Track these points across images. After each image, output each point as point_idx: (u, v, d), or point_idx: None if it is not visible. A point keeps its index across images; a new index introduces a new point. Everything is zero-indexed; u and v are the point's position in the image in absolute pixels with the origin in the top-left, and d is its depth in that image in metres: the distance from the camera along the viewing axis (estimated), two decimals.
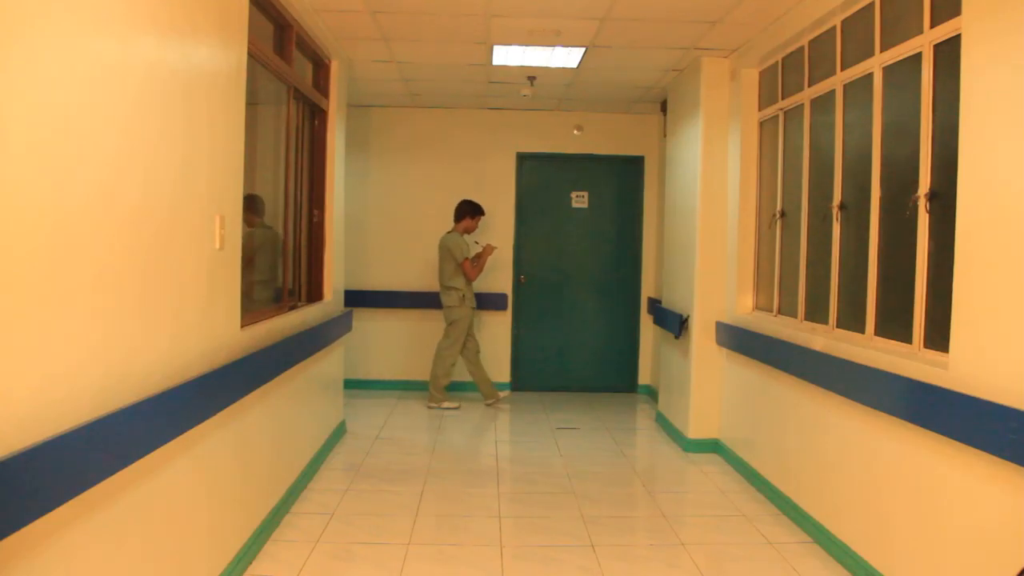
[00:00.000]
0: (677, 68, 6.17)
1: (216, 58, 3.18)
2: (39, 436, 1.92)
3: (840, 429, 3.89)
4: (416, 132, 8.06)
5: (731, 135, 5.75)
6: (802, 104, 4.75)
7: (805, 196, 4.71)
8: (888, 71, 3.75)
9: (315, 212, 5.57)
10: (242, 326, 3.57)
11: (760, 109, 5.45)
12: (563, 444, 6.16)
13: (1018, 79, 2.65)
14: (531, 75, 6.48)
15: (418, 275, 8.05)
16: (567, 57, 5.90)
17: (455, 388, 7.97)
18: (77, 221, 2.13)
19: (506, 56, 5.90)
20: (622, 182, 8.27)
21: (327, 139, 5.68)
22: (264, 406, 3.89)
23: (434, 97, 7.57)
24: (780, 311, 5.09)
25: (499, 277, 8.09)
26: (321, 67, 5.61)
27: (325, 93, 5.65)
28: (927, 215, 3.34)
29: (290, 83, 4.72)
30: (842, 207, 4.21)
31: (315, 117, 5.61)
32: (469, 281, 7.20)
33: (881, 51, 3.77)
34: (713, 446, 5.85)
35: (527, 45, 5.60)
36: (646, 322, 8.12)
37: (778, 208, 5.15)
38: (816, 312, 4.52)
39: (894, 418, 3.33)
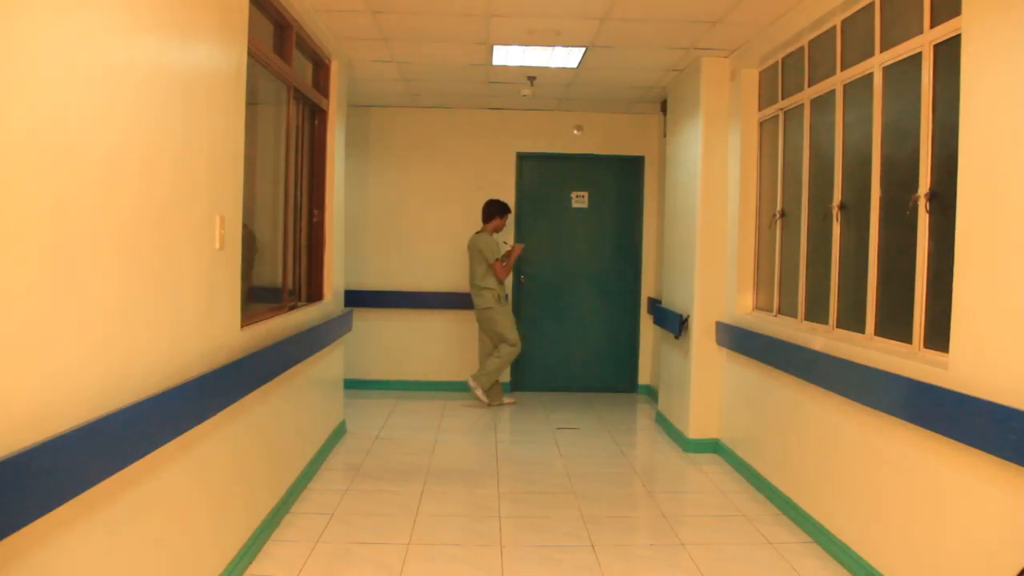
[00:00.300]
0: (677, 68, 6.18)
1: (216, 58, 3.19)
2: (39, 436, 1.92)
3: (840, 429, 3.89)
4: (416, 132, 8.06)
5: (731, 135, 5.75)
6: (802, 104, 4.75)
7: (805, 196, 4.71)
8: (888, 71, 3.75)
9: (315, 212, 5.57)
10: (242, 326, 3.57)
11: (760, 109, 5.46)
12: (563, 444, 6.16)
13: (1018, 79, 2.65)
14: (531, 75, 6.48)
15: (418, 275, 8.05)
16: (567, 57, 5.90)
17: (454, 388, 7.98)
18: (77, 221, 2.12)
19: (506, 56, 5.90)
20: (622, 182, 8.27)
21: (327, 139, 5.68)
22: (264, 406, 3.89)
23: (434, 97, 7.57)
24: (780, 311, 5.09)
25: None
26: (321, 67, 5.61)
27: (325, 93, 5.65)
28: (927, 215, 3.34)
29: (290, 83, 4.72)
30: (842, 207, 4.21)
31: (315, 117, 5.61)
32: (500, 281, 7.24)
33: (881, 51, 3.77)
34: (713, 446, 5.85)
35: (527, 45, 5.60)
36: (646, 322, 8.12)
37: (778, 208, 5.15)
38: (816, 312, 4.52)
39: (894, 418, 3.33)
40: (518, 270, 8.12)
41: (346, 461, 5.48)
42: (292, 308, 4.79)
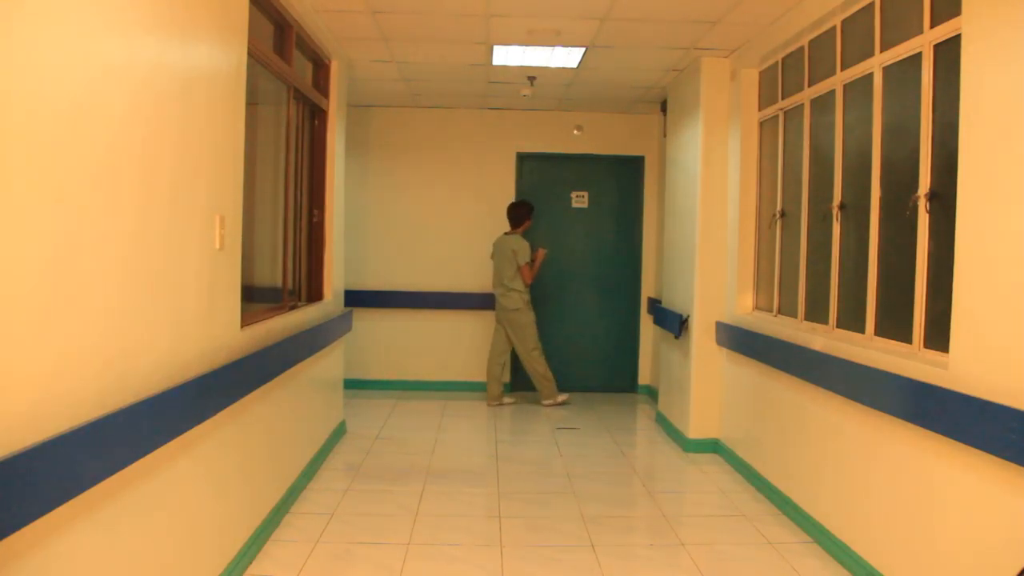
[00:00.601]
0: (677, 68, 6.18)
1: (216, 58, 3.19)
2: (39, 436, 1.92)
3: (840, 429, 3.89)
4: (416, 132, 8.06)
5: (731, 135, 5.75)
6: (802, 104, 4.75)
7: (805, 196, 4.71)
8: (888, 71, 3.75)
9: (315, 212, 5.57)
10: (242, 326, 3.57)
11: (760, 109, 5.46)
12: (563, 444, 6.16)
13: (1018, 79, 2.65)
14: (531, 75, 6.48)
15: (418, 275, 8.05)
16: (567, 57, 5.90)
17: (454, 388, 7.99)
18: (78, 221, 2.13)
19: (506, 56, 5.90)
20: (622, 182, 8.27)
21: (327, 139, 5.68)
22: (264, 406, 3.89)
23: (434, 97, 7.57)
24: (780, 311, 5.09)
25: None
26: (321, 67, 5.61)
27: (325, 93, 5.65)
28: (927, 215, 3.34)
29: (290, 83, 4.72)
30: (842, 207, 4.21)
31: (315, 117, 5.61)
32: (527, 284, 7.29)
33: (881, 51, 3.77)
34: (713, 446, 5.85)
35: (527, 45, 5.60)
36: (646, 322, 8.12)
37: (778, 208, 5.15)
38: (816, 312, 4.52)
39: (894, 418, 3.33)
40: None
41: (346, 461, 5.48)
42: (292, 308, 4.79)
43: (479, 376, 8.06)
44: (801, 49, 4.74)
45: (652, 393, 7.83)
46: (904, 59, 3.58)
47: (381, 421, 6.71)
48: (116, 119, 2.34)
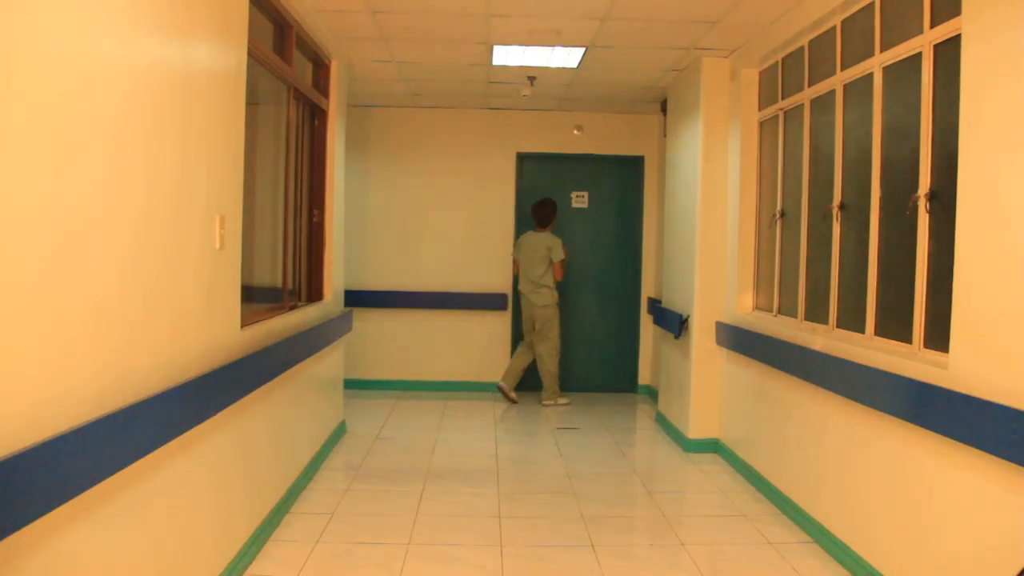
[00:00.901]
0: (677, 68, 6.18)
1: (216, 58, 3.19)
2: (39, 436, 1.92)
3: (840, 429, 3.89)
4: (416, 132, 8.06)
5: (731, 135, 5.75)
6: (802, 104, 4.75)
7: (805, 196, 4.71)
8: (888, 71, 3.75)
9: (315, 212, 5.57)
10: (242, 326, 3.57)
11: (760, 109, 5.45)
12: (563, 444, 6.16)
13: (1018, 79, 2.65)
14: (531, 75, 6.48)
15: (418, 275, 8.05)
16: (567, 57, 5.90)
17: (454, 388, 7.99)
18: (77, 221, 2.12)
19: (506, 56, 5.90)
20: (622, 182, 8.27)
21: (327, 139, 5.68)
22: (264, 406, 3.89)
23: (434, 97, 7.57)
24: (780, 311, 5.09)
25: (499, 277, 8.09)
26: (321, 67, 5.61)
27: (325, 93, 5.65)
28: (927, 215, 3.34)
29: (290, 83, 4.72)
30: (842, 207, 4.21)
31: (315, 117, 5.61)
32: (557, 281, 7.40)
33: (881, 51, 3.77)
34: (713, 446, 5.85)
35: (527, 45, 5.60)
36: (646, 322, 8.12)
37: (778, 208, 5.15)
38: (816, 312, 4.52)
39: (894, 418, 3.33)
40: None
41: (346, 461, 5.48)
42: (292, 308, 4.79)
43: (479, 376, 8.07)
44: (801, 49, 4.74)
45: (652, 393, 7.83)
46: (904, 59, 3.58)
47: (381, 421, 6.71)
48: (116, 119, 2.34)
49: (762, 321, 5.18)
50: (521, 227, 8.11)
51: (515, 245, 7.68)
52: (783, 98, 5.05)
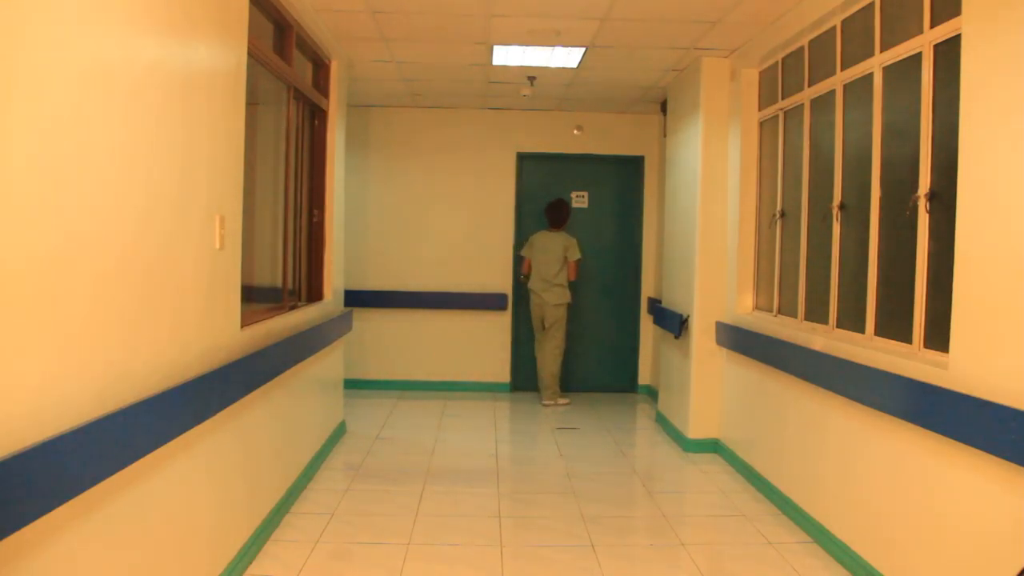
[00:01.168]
0: (677, 68, 6.18)
1: (216, 58, 3.19)
2: (39, 436, 1.92)
3: (840, 429, 3.89)
4: (416, 132, 8.06)
5: (731, 135, 5.75)
6: (802, 104, 4.75)
7: (805, 196, 4.71)
8: (888, 71, 3.75)
9: (315, 212, 5.57)
10: (242, 326, 3.57)
11: (760, 109, 5.45)
12: (563, 444, 6.16)
13: (1018, 79, 2.65)
14: (531, 75, 6.48)
15: (418, 275, 8.05)
16: (567, 57, 5.90)
17: (454, 388, 7.98)
18: (77, 220, 2.13)
19: (506, 56, 5.90)
20: (622, 182, 8.27)
21: (327, 139, 5.68)
22: (264, 406, 3.89)
23: (434, 97, 7.57)
24: (780, 311, 5.09)
25: (499, 277, 8.09)
26: (321, 67, 5.61)
27: (325, 93, 5.65)
28: (927, 215, 3.34)
29: (290, 83, 4.72)
30: (842, 207, 4.21)
31: (315, 117, 5.61)
32: (573, 280, 7.51)
33: (881, 51, 3.77)
34: (713, 446, 5.85)
35: (527, 45, 5.60)
36: (646, 322, 8.12)
37: (778, 208, 5.15)
38: (816, 312, 4.52)
39: (894, 418, 3.33)
40: (517, 270, 8.13)
41: (346, 461, 5.48)
42: (292, 308, 4.79)
43: (479, 376, 8.07)
44: (801, 49, 4.74)
45: (652, 393, 7.83)
46: (904, 59, 3.58)
47: (381, 421, 6.71)
48: (116, 119, 2.34)
49: (762, 321, 5.18)
50: (521, 227, 8.12)
51: (527, 244, 7.69)
52: (783, 98, 5.05)
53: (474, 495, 4.80)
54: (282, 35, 4.58)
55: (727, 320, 5.69)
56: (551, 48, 5.66)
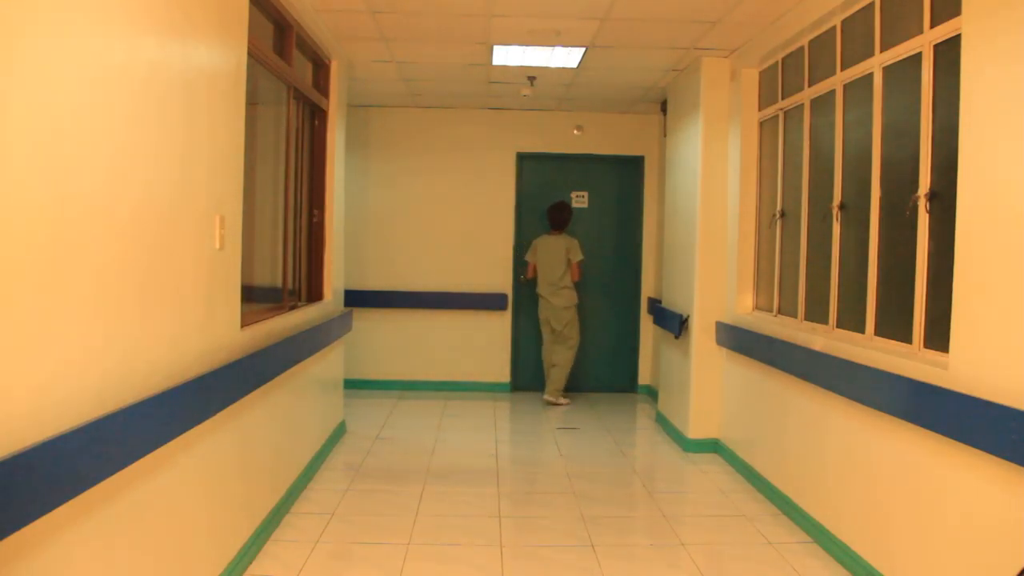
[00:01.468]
0: (677, 68, 6.18)
1: (216, 58, 3.19)
2: (39, 436, 1.92)
3: (840, 429, 3.89)
4: (416, 132, 8.06)
5: (731, 135, 5.75)
6: (802, 104, 4.75)
7: (805, 196, 4.71)
8: (888, 71, 3.75)
9: (315, 212, 5.57)
10: (242, 326, 3.57)
11: (760, 109, 5.46)
12: (563, 444, 6.16)
13: (1018, 79, 2.65)
14: (531, 75, 6.48)
15: (418, 275, 8.05)
16: (567, 57, 5.90)
17: (454, 388, 7.99)
18: (77, 221, 2.13)
19: (506, 56, 5.90)
20: (622, 182, 8.27)
21: (327, 139, 5.68)
22: (264, 406, 3.89)
23: (434, 97, 7.57)
24: (780, 311, 5.09)
25: (499, 277, 8.09)
26: (321, 67, 5.61)
27: (325, 93, 5.65)
28: (927, 215, 3.34)
29: (290, 83, 4.72)
30: (842, 207, 4.21)
31: (315, 117, 5.61)
32: (577, 281, 7.56)
33: (881, 51, 3.77)
34: (713, 446, 5.85)
35: (527, 45, 5.60)
36: (646, 322, 8.12)
37: (778, 208, 5.15)
38: (816, 312, 4.52)
39: (894, 418, 3.33)
40: (517, 270, 8.13)
41: (346, 461, 5.48)
42: (292, 308, 4.79)
43: (479, 376, 8.07)
44: (801, 49, 4.74)
45: (652, 393, 7.83)
46: (904, 59, 3.58)
47: (381, 421, 6.71)
48: (115, 120, 2.34)
49: (762, 321, 5.18)
50: (521, 227, 8.12)
51: (530, 248, 7.73)
52: (783, 98, 5.05)
53: (474, 495, 4.80)
54: (282, 35, 4.58)
55: (727, 320, 5.69)
56: (551, 48, 5.66)
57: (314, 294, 5.54)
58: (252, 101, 3.72)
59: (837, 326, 4.22)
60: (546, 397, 7.56)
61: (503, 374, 8.13)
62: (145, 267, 2.55)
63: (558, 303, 7.50)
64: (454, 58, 6.01)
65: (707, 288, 5.86)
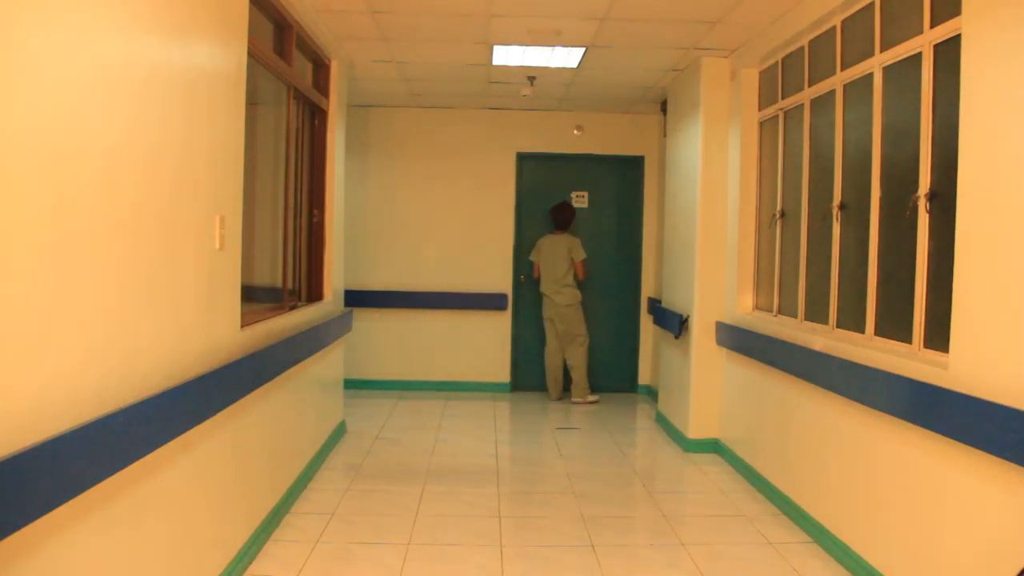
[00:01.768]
0: (677, 68, 6.18)
1: (216, 58, 3.19)
2: (39, 436, 1.92)
3: (840, 429, 3.89)
4: (416, 132, 8.06)
5: (731, 135, 5.75)
6: (802, 104, 4.75)
7: (805, 196, 4.71)
8: (888, 71, 3.75)
9: (315, 212, 5.57)
10: (242, 326, 3.57)
11: (760, 109, 5.45)
12: (563, 444, 6.16)
13: (1018, 79, 2.65)
14: (531, 75, 6.48)
15: (418, 275, 8.05)
16: (567, 57, 5.89)
17: (454, 388, 7.99)
18: (78, 221, 2.13)
19: (506, 56, 5.90)
20: (622, 182, 8.27)
21: (327, 139, 5.68)
22: (264, 406, 3.89)
23: (434, 97, 7.57)
24: (780, 311, 5.09)
25: (499, 277, 8.09)
26: (321, 67, 5.61)
27: (325, 93, 5.65)
28: (927, 215, 3.34)
29: (290, 83, 4.72)
30: (842, 207, 4.21)
31: (315, 117, 5.61)
32: (581, 280, 7.66)
33: (881, 51, 3.77)
34: (713, 446, 5.85)
35: (527, 45, 5.60)
36: (646, 322, 8.12)
37: (778, 208, 5.15)
38: (816, 312, 4.52)
39: (894, 418, 3.33)
40: (517, 270, 8.13)
41: (346, 461, 5.48)
42: (292, 308, 4.79)
43: (479, 376, 8.08)
44: (801, 49, 4.74)
45: (652, 393, 7.83)
46: (904, 59, 3.58)
47: (381, 421, 6.71)
48: (115, 119, 2.34)
49: (762, 321, 5.18)
50: (521, 227, 8.12)
51: (535, 249, 7.80)
52: (783, 98, 5.05)
53: (474, 495, 4.80)
54: (282, 35, 4.58)
55: (727, 320, 5.69)
56: (551, 48, 5.66)
57: (314, 294, 5.54)
58: (252, 101, 3.72)
59: (837, 326, 4.22)
60: (574, 399, 7.66)
61: (503, 374, 8.13)
62: (145, 267, 2.55)
63: (561, 301, 7.57)
64: (454, 58, 6.01)
65: (707, 288, 5.86)
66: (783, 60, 5.05)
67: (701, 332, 5.88)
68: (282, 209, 4.83)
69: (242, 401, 3.43)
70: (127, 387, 2.40)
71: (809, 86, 4.64)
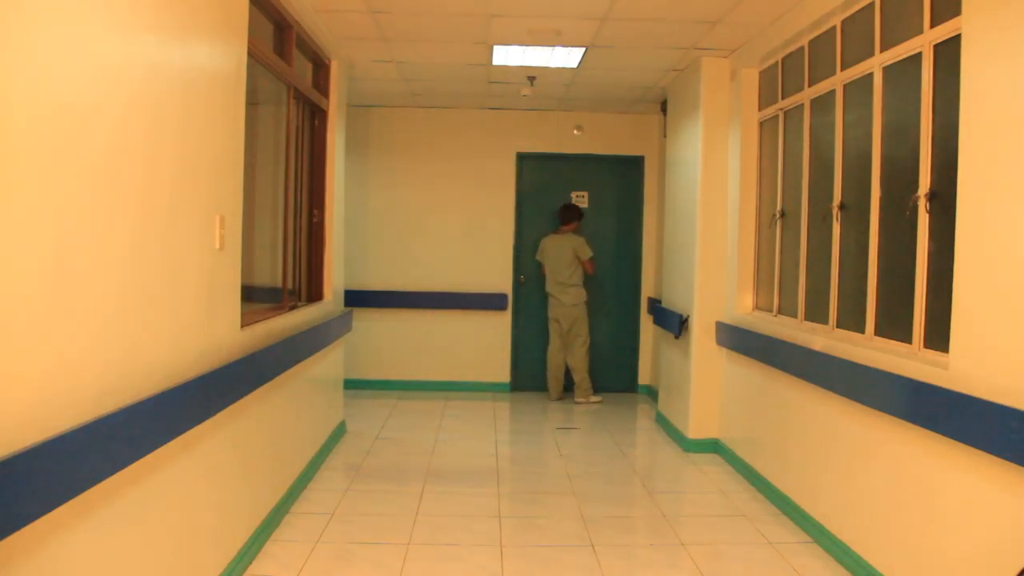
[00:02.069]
0: (677, 68, 6.18)
1: (216, 58, 3.19)
2: (39, 436, 1.92)
3: (840, 429, 3.89)
4: (416, 132, 8.06)
5: (731, 135, 5.75)
6: (802, 104, 4.75)
7: (805, 196, 4.71)
8: (888, 71, 3.75)
9: (315, 212, 5.57)
10: (242, 326, 3.57)
11: (760, 109, 5.45)
12: (563, 444, 6.16)
13: (1018, 79, 2.65)
14: (531, 75, 6.48)
15: (418, 275, 8.05)
16: (567, 57, 5.90)
17: (454, 388, 7.99)
18: (77, 221, 2.13)
19: (506, 56, 5.90)
20: (622, 182, 8.27)
21: (327, 139, 5.68)
22: (264, 406, 3.89)
23: (434, 97, 7.57)
24: (780, 311, 5.09)
25: (499, 277, 8.09)
26: (321, 67, 5.61)
27: (325, 93, 5.65)
28: (927, 215, 3.34)
29: (290, 83, 4.72)
30: (842, 207, 4.21)
31: (315, 117, 5.61)
32: (592, 276, 7.73)
33: (881, 51, 3.77)
34: (713, 446, 5.85)
35: (527, 45, 5.60)
36: (646, 322, 8.12)
37: (778, 208, 5.15)
38: (816, 312, 4.52)
39: (894, 418, 3.33)
40: (517, 270, 8.13)
41: (346, 461, 5.48)
42: (292, 308, 4.79)
43: (479, 376, 8.08)
44: (801, 49, 4.74)
45: (652, 393, 7.83)
46: (904, 59, 3.58)
47: (381, 421, 6.71)
48: (116, 119, 2.34)
49: (762, 321, 5.18)
50: (521, 227, 8.12)
51: (539, 250, 7.82)
52: (783, 98, 5.05)
53: (474, 495, 4.80)
54: (282, 35, 4.58)
55: (727, 320, 5.69)
56: (551, 48, 5.66)
57: (314, 294, 5.54)
58: (252, 101, 3.72)
59: (837, 326, 4.22)
60: (577, 399, 7.67)
61: (503, 374, 8.13)
62: (145, 267, 2.55)
63: (566, 300, 7.60)
64: (454, 58, 6.01)
65: (707, 288, 5.86)
66: (783, 60, 5.05)
67: (701, 332, 5.88)
68: (282, 209, 4.83)
69: (242, 401, 3.43)
70: (127, 387, 2.40)
71: (809, 86, 4.64)
